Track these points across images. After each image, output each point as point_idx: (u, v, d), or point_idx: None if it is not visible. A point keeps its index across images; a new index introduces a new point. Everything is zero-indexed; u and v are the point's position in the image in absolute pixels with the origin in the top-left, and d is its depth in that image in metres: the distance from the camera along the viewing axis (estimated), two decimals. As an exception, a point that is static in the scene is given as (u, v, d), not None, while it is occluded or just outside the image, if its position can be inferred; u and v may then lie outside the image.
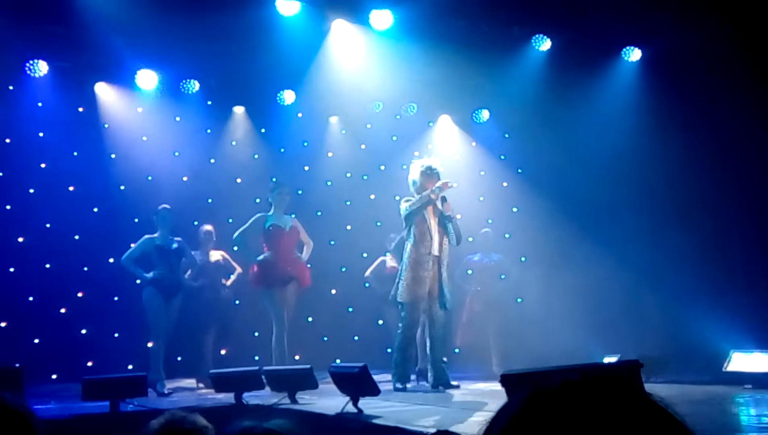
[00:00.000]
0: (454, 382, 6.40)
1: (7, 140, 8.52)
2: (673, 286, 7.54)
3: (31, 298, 8.31)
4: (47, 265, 8.47)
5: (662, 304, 7.62)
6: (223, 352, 8.36)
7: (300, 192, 9.13)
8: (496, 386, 6.17)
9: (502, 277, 8.54)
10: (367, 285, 8.80)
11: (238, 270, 8.03)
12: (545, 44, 8.70)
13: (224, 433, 1.17)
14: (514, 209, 9.58)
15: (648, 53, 8.76)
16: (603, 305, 8.10)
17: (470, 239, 8.63)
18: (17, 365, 6.24)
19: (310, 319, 9.06)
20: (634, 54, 8.83)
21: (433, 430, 3.52)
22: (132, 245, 7.46)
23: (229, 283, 8.03)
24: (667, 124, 7.94)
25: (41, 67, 8.37)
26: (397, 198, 7.09)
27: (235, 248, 7.93)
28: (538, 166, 9.26)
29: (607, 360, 6.55)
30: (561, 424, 0.78)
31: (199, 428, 2.21)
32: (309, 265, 7.69)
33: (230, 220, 8.66)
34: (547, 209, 8.80)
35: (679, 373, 6.31)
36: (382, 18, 8.17)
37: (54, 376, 7.95)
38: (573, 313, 8.10)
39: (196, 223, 8.37)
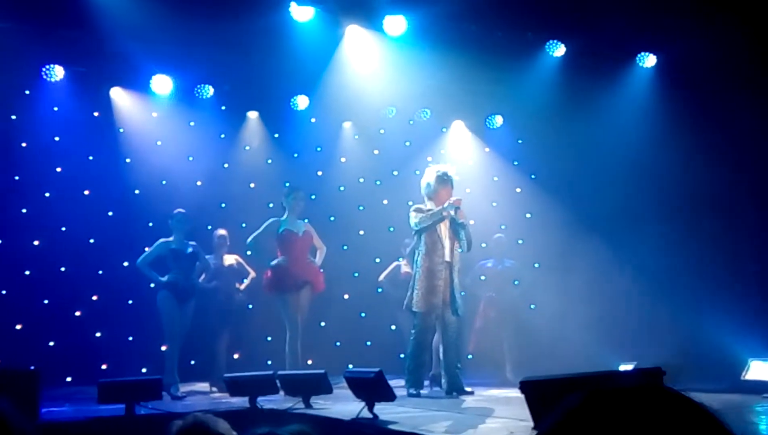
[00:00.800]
0: (468, 389, 6.39)
1: (24, 144, 8.59)
2: (690, 293, 7.48)
3: (46, 301, 8.36)
4: (62, 269, 8.53)
5: (678, 311, 7.55)
6: (236, 356, 8.37)
7: (313, 197, 9.14)
8: (511, 392, 6.20)
9: (516, 282, 8.53)
10: (380, 290, 8.81)
11: (252, 274, 8.05)
12: (559, 50, 8.69)
13: None
14: (528, 215, 9.56)
15: (663, 59, 8.73)
16: (617, 312, 8.06)
17: (483, 245, 8.62)
18: (32, 368, 6.26)
19: (322, 324, 9.06)
20: (649, 60, 8.80)
21: (450, 436, 3.51)
22: (147, 249, 7.50)
23: (243, 287, 8.05)
24: (682, 131, 7.89)
25: (57, 72, 8.45)
26: (410, 203, 7.10)
27: (249, 253, 7.95)
28: (551, 172, 9.24)
29: (623, 367, 6.51)
30: (616, 422, 0.83)
31: (217, 434, 2.19)
32: (322, 270, 7.70)
33: (244, 225, 8.69)
34: (561, 215, 8.77)
35: (696, 382, 6.24)
36: (396, 24, 8.18)
37: (69, 379, 7.98)
38: (587, 320, 8.06)
39: (209, 227, 8.39)
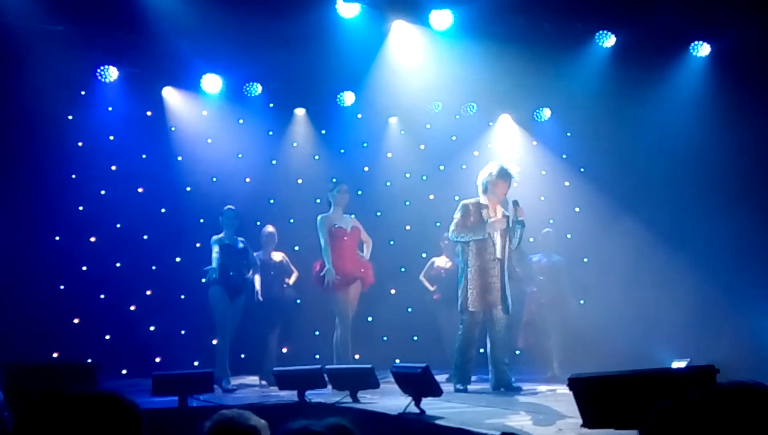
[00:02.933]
0: (515, 384, 6.34)
1: (80, 143, 8.86)
2: (746, 289, 7.26)
3: (102, 296, 8.63)
4: (117, 264, 8.78)
5: (733, 308, 7.35)
6: (284, 350, 8.47)
7: (360, 192, 9.19)
8: (558, 388, 6.12)
9: (563, 278, 8.39)
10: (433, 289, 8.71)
11: (296, 273, 8.09)
12: (609, 40, 8.52)
13: (281, 432, 1.18)
14: (576, 209, 9.41)
15: (717, 48, 8.47)
16: (669, 308, 7.86)
17: (531, 240, 8.52)
18: (90, 361, 6.47)
19: (369, 319, 9.09)
20: (703, 49, 8.55)
21: (497, 432, 3.49)
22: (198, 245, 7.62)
23: (291, 281, 8.11)
24: (738, 122, 7.65)
25: (111, 73, 8.70)
26: (456, 198, 7.07)
27: (296, 248, 8.02)
28: (601, 165, 9.07)
29: (675, 364, 6.36)
30: None
31: (248, 427, 2.20)
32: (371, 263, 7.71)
33: (291, 220, 8.79)
34: (611, 209, 8.61)
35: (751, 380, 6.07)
36: (442, 18, 8.13)
37: (124, 371, 8.22)
38: (637, 316, 7.91)
39: (258, 223, 8.51)
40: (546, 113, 9.80)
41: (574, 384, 2.93)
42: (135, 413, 1.63)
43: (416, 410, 4.64)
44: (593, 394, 2.89)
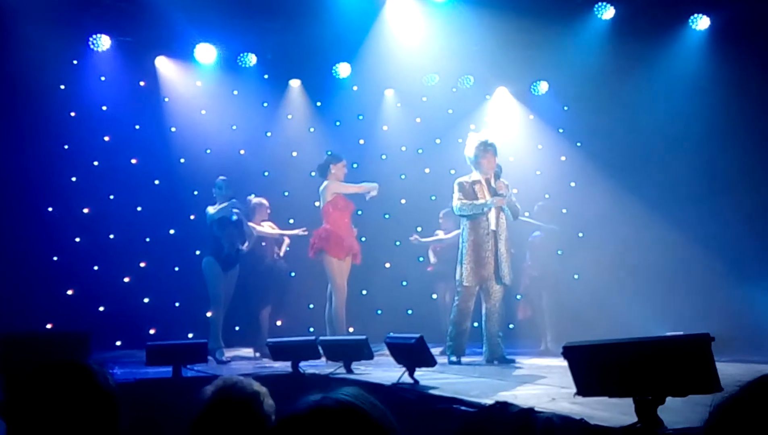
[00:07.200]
0: (508, 357, 6.35)
1: (72, 114, 8.77)
2: (741, 264, 7.27)
3: (96, 268, 8.59)
4: (111, 236, 8.73)
5: (729, 282, 7.36)
6: (278, 323, 8.47)
7: (355, 165, 9.11)
8: (552, 362, 6.14)
9: (559, 252, 8.38)
10: (421, 259, 8.76)
11: (287, 240, 8.02)
12: (608, 12, 8.44)
13: (293, 411, 1.10)
14: (572, 184, 9.38)
15: (717, 21, 8.39)
16: (665, 283, 7.88)
17: (527, 214, 8.49)
18: (83, 330, 6.43)
19: (364, 292, 9.09)
20: (702, 22, 8.48)
21: (490, 401, 3.49)
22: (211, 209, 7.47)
23: (281, 252, 8.03)
24: (737, 96, 7.61)
25: (104, 42, 8.58)
26: (453, 172, 7.04)
27: (291, 221, 7.95)
28: (598, 139, 9.03)
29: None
30: None
31: (252, 393, 2.20)
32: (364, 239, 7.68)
33: (286, 193, 8.71)
34: (607, 184, 8.58)
35: (747, 353, 6.10)
36: (440, -12, 8.03)
37: (118, 343, 8.22)
38: (632, 291, 7.91)
39: (252, 195, 8.45)
40: (543, 86, 9.73)
41: (569, 352, 2.92)
42: (99, 380, 1.58)
43: (410, 381, 4.64)
44: (587, 362, 2.88)
